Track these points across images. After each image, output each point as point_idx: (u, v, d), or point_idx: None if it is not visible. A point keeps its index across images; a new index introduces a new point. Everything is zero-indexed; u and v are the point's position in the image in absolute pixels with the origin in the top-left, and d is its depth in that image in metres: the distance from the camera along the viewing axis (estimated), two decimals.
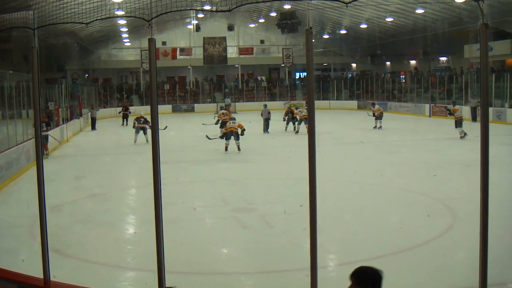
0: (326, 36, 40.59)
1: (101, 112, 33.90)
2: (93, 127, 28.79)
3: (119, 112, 31.48)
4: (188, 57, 42.65)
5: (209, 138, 18.09)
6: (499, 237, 5.97)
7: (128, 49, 43.51)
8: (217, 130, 20.93)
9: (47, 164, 11.98)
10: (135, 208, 10.70)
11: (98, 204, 10.77)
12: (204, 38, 41.42)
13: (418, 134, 22.70)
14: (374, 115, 24.62)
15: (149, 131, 18.13)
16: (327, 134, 20.93)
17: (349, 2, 3.67)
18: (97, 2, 4.15)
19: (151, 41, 3.66)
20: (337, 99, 42.91)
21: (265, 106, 24.61)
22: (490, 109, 23.36)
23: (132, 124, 21.58)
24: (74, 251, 7.60)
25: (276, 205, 10.06)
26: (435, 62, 37.47)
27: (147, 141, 19.72)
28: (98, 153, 19.65)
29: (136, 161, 16.43)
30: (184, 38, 42.71)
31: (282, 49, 43.21)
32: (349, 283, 2.92)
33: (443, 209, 9.41)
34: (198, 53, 42.56)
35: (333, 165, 13.71)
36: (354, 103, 40.66)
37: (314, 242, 3.45)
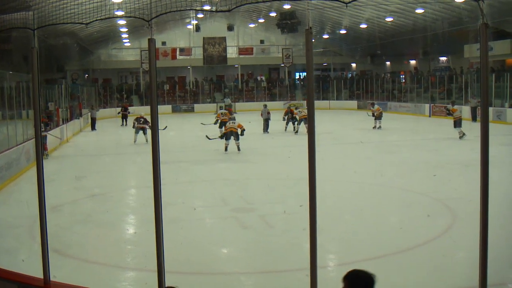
0: (326, 36, 40.59)
1: (101, 113, 33.88)
2: (93, 127, 28.79)
3: (118, 113, 31.47)
4: (188, 57, 42.67)
5: (209, 138, 18.09)
6: (499, 237, 5.98)
7: (128, 49, 43.50)
8: (216, 130, 20.93)
9: (47, 165, 11.98)
10: (135, 208, 10.70)
11: (98, 204, 10.77)
12: (203, 38, 41.43)
13: (418, 134, 22.70)
14: (373, 115, 24.60)
15: (148, 131, 18.14)
16: (327, 134, 20.93)
17: (349, 2, 3.67)
18: (97, 2, 4.16)
19: (151, 41, 3.66)
20: (337, 99, 42.91)
21: (265, 106, 24.61)
22: (490, 109, 23.35)
23: (132, 124, 21.59)
24: (74, 251, 7.60)
25: (276, 205, 10.06)
26: (435, 62, 37.47)
27: (146, 141, 19.72)
28: (98, 153, 19.66)
29: (136, 161, 16.43)
30: (184, 38, 42.72)
31: (282, 49, 43.21)
32: (341, 285, 2.90)
33: (443, 209, 9.41)
34: (198, 53, 42.57)
35: (333, 165, 13.71)
36: (354, 103, 40.65)
37: (314, 242, 3.45)
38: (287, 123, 23.92)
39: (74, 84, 37.32)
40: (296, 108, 24.68)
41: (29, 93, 16.29)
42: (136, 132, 20.71)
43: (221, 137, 18.04)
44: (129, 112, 30.63)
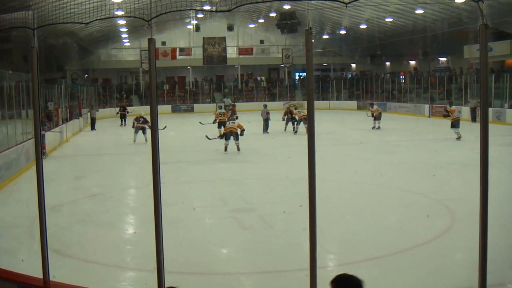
0: (325, 37, 40.60)
1: (101, 112, 33.88)
2: (93, 127, 28.78)
3: (117, 113, 31.43)
4: (188, 57, 42.67)
5: (209, 138, 18.09)
6: (499, 237, 5.98)
7: (128, 49, 43.50)
8: (215, 130, 20.93)
9: (46, 164, 11.99)
10: (134, 208, 10.70)
11: (98, 204, 10.77)
12: (203, 38, 41.44)
13: (417, 134, 22.69)
14: (372, 115, 24.59)
15: (148, 131, 18.13)
16: (326, 135, 20.94)
17: (349, 3, 3.67)
18: (97, 2, 4.16)
19: (151, 41, 3.66)
20: (337, 99, 42.92)
21: (265, 106, 24.62)
22: (490, 109, 23.38)
23: (132, 124, 21.60)
24: (74, 251, 7.60)
25: (276, 205, 10.05)
26: (435, 62, 37.49)
27: (146, 140, 19.73)
28: (97, 153, 19.66)
29: (136, 161, 16.43)
30: (184, 38, 42.72)
31: (282, 49, 43.23)
32: None
33: (442, 209, 9.41)
34: (197, 53, 42.57)
35: (333, 166, 13.71)
36: (353, 104, 40.67)
37: (314, 242, 3.45)
38: (286, 123, 23.92)
39: (74, 84, 37.30)
40: (295, 108, 24.69)
41: (29, 93, 16.29)
42: (136, 132, 20.73)
43: (221, 137, 18.04)
44: (127, 112, 30.60)
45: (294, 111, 23.50)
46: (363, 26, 33.97)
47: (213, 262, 7.18)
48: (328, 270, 6.57)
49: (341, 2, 3.67)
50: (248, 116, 25.33)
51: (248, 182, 13.02)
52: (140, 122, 20.63)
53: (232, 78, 46.13)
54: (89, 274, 6.70)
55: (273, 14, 34.45)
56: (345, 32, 37.13)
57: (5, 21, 4.36)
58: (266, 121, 23.54)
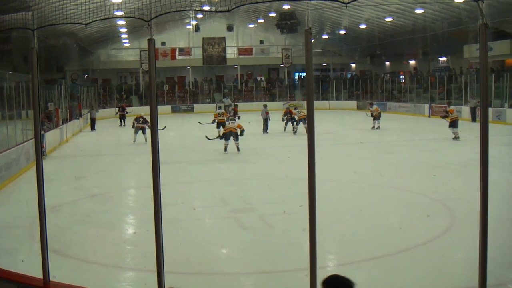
0: (325, 37, 40.61)
1: (101, 113, 33.88)
2: (93, 127, 28.78)
3: (116, 113, 31.43)
4: (188, 57, 42.67)
5: (209, 139, 18.09)
6: (498, 237, 5.97)
7: (128, 50, 43.51)
8: (214, 130, 20.93)
9: (46, 165, 11.98)
10: (134, 208, 10.70)
11: (98, 205, 10.77)
12: (203, 38, 41.44)
13: (417, 134, 22.69)
14: (372, 115, 24.59)
15: (148, 131, 18.13)
16: (326, 135, 20.94)
17: (349, 2, 3.68)
18: (97, 2, 4.16)
19: (151, 42, 3.66)
20: (337, 99, 42.93)
21: (265, 106, 24.63)
22: (490, 109, 23.38)
23: (132, 124, 21.61)
24: (74, 251, 7.60)
25: (276, 205, 10.05)
26: (435, 62, 37.49)
27: (146, 140, 19.74)
28: (97, 153, 19.66)
29: (136, 162, 16.43)
30: (184, 38, 42.72)
31: (282, 49, 43.24)
32: None
33: (442, 209, 9.41)
34: (197, 54, 42.57)
35: (333, 166, 13.71)
36: (353, 103, 40.67)
37: (314, 242, 3.46)
38: (286, 124, 23.91)
39: (74, 84, 37.31)
40: (295, 108, 24.69)
41: (29, 93, 16.29)
42: (136, 132, 20.75)
43: (221, 137, 18.03)
44: (126, 112, 30.59)
45: (294, 111, 23.50)
46: (362, 26, 33.98)
47: (213, 262, 7.18)
48: (328, 270, 6.57)
49: (341, 2, 3.67)
50: (248, 116, 25.32)
51: (248, 182, 13.02)
52: (140, 122, 20.64)
53: (232, 78, 46.14)
54: (89, 274, 6.70)
55: (272, 14, 34.46)
56: (344, 32, 37.13)
57: (5, 22, 4.37)
58: (266, 121, 23.54)
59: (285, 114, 24.39)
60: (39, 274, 4.07)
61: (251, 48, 44.50)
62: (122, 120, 30.22)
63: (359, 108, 38.86)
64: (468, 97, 28.53)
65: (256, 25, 41.46)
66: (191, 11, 25.57)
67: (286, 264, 6.89)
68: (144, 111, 21.55)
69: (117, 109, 32.69)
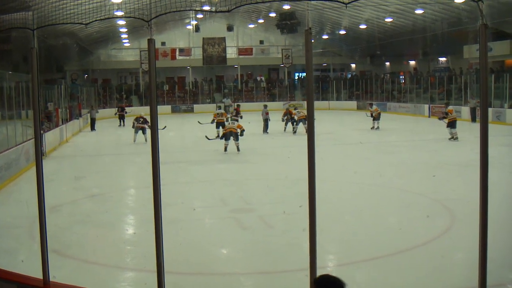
0: (325, 37, 40.61)
1: (101, 113, 33.87)
2: (93, 127, 28.77)
3: (115, 113, 31.43)
4: (188, 57, 42.68)
5: (209, 139, 18.09)
6: (498, 237, 5.97)
7: (128, 50, 43.50)
8: (214, 130, 20.93)
9: (46, 165, 11.98)
10: (134, 208, 10.70)
11: (98, 205, 10.77)
12: (203, 38, 41.44)
13: (417, 134, 22.70)
14: (371, 115, 24.59)
15: (148, 131, 18.13)
16: (326, 135, 20.94)
17: (349, 3, 3.68)
18: (97, 2, 4.16)
19: (151, 42, 3.67)
20: (337, 99, 42.92)
21: (265, 106, 24.64)
22: (490, 109, 23.35)
23: (131, 124, 21.62)
24: (74, 251, 7.60)
25: (276, 206, 10.05)
26: (435, 62, 37.50)
27: (146, 140, 19.74)
28: (97, 153, 19.66)
29: (136, 162, 16.43)
30: (184, 38, 42.73)
31: (282, 49, 43.24)
32: None
33: (441, 209, 9.41)
34: (197, 54, 42.58)
35: (332, 166, 13.71)
36: (353, 104, 40.68)
37: (314, 243, 3.46)
38: (286, 124, 23.91)
39: (74, 84, 37.31)
40: (295, 109, 24.68)
41: (29, 93, 16.29)
42: (136, 132, 20.76)
43: (221, 137, 18.03)
44: (126, 112, 30.58)
45: (293, 112, 23.51)
46: (362, 26, 33.98)
47: (213, 262, 7.18)
48: (328, 270, 6.56)
49: (341, 2, 3.67)
50: (248, 117, 25.33)
51: (248, 182, 13.01)
52: (140, 122, 20.65)
53: (232, 78, 46.14)
54: (89, 274, 6.70)
55: (272, 14, 34.46)
56: (344, 32, 37.13)
57: (5, 22, 4.37)
58: (266, 122, 23.55)
59: (285, 114, 24.39)
60: (39, 274, 4.07)
61: (251, 48, 44.51)
62: (122, 120, 30.21)
63: (359, 108, 38.86)
64: (468, 97, 28.53)
65: (256, 25, 41.46)
66: (191, 11, 25.56)
67: (286, 264, 6.89)
68: (144, 111, 21.55)
69: (116, 109, 32.70)
